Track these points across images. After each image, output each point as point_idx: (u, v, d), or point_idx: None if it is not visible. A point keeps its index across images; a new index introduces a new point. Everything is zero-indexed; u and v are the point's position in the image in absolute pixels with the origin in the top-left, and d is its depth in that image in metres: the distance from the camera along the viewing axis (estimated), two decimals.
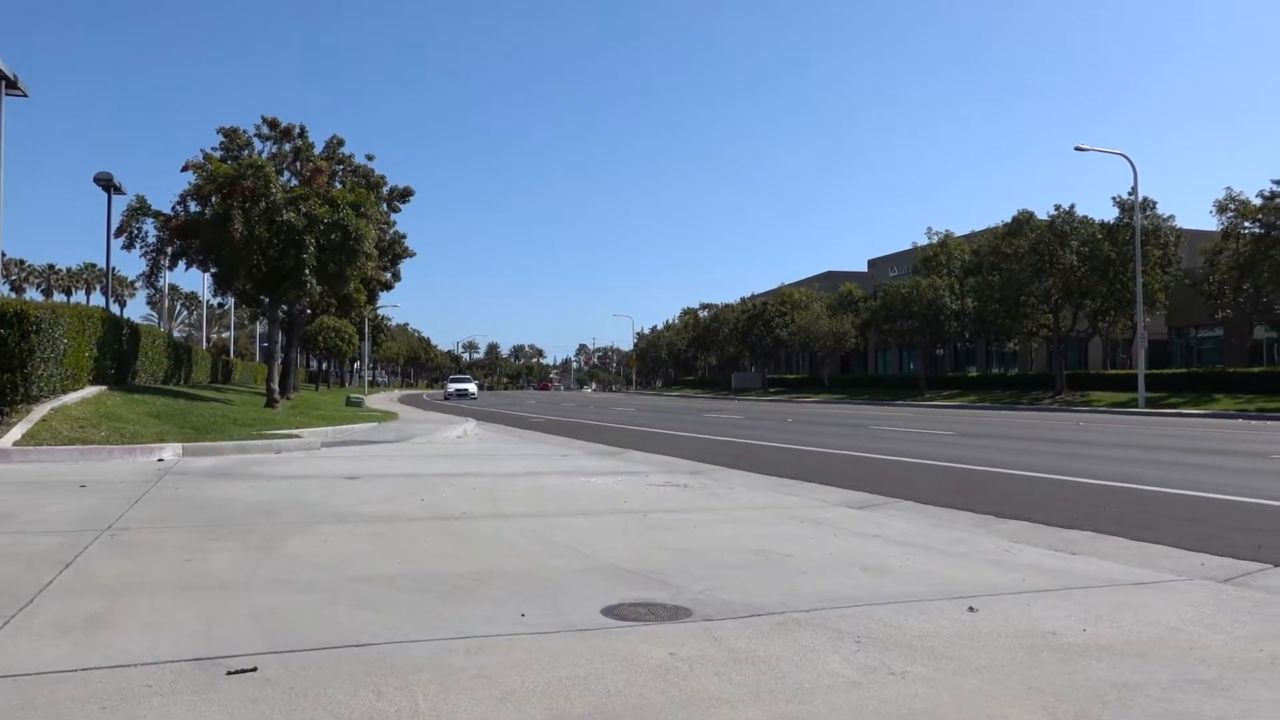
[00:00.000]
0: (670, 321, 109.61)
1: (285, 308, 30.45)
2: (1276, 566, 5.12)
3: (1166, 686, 3.05)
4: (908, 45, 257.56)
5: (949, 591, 4.37)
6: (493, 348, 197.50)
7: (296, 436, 13.84)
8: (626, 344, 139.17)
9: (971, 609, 4.02)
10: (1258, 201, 33.06)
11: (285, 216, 21.95)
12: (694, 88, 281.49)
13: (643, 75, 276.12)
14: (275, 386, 24.88)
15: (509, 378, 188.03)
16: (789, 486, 9.06)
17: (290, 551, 5.30)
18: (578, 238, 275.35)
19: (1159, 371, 40.14)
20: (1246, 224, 33.51)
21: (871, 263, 73.06)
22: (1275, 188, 32.51)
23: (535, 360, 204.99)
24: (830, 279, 75.76)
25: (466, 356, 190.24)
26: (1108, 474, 10.39)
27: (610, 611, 3.90)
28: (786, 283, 79.37)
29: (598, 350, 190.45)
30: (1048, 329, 43.48)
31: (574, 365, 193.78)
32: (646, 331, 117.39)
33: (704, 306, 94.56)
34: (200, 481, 8.78)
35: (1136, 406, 33.55)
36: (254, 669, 3.09)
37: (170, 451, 11.20)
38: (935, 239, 52.33)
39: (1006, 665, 3.26)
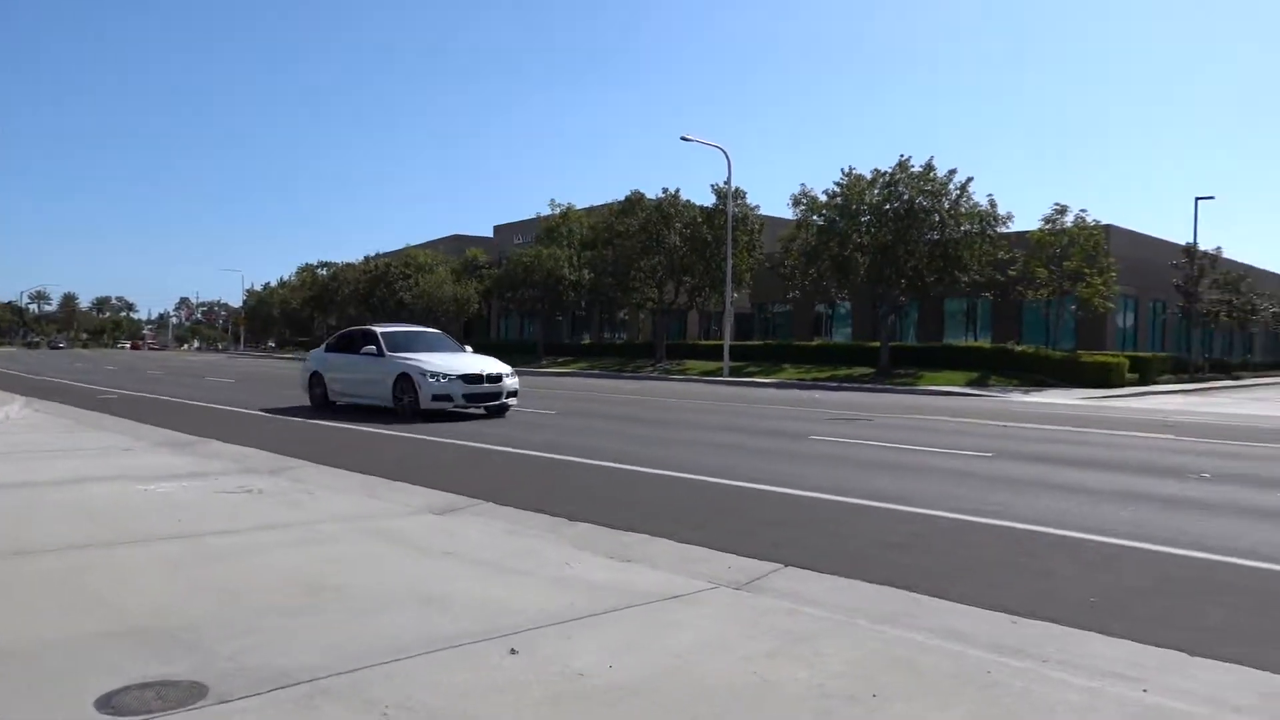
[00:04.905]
0: (286, 279, 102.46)
1: None
2: (786, 566, 5.85)
3: None
4: (536, 17, 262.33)
5: (500, 627, 4.41)
6: (69, 299, 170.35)
7: None
8: (236, 300, 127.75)
9: (514, 650, 4.08)
10: (823, 198, 38.22)
11: None
12: (336, 40, 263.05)
13: (272, 27, 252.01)
14: None
15: (89, 334, 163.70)
16: (378, 488, 8.78)
17: None
18: (177, 177, 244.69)
19: (743, 343, 45.47)
20: (815, 217, 38.63)
21: (497, 229, 73.83)
22: (835, 188, 37.79)
23: (125, 314, 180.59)
24: (457, 242, 75.38)
25: (34, 308, 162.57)
26: (677, 463, 11.32)
27: (106, 703, 3.40)
28: (413, 244, 77.71)
29: (202, 305, 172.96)
30: (653, 302, 47.10)
31: (174, 321, 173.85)
32: (259, 288, 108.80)
33: (323, 265, 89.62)
34: None
35: (722, 375, 37.69)
36: None
37: None
38: (558, 210, 54.37)
39: None
